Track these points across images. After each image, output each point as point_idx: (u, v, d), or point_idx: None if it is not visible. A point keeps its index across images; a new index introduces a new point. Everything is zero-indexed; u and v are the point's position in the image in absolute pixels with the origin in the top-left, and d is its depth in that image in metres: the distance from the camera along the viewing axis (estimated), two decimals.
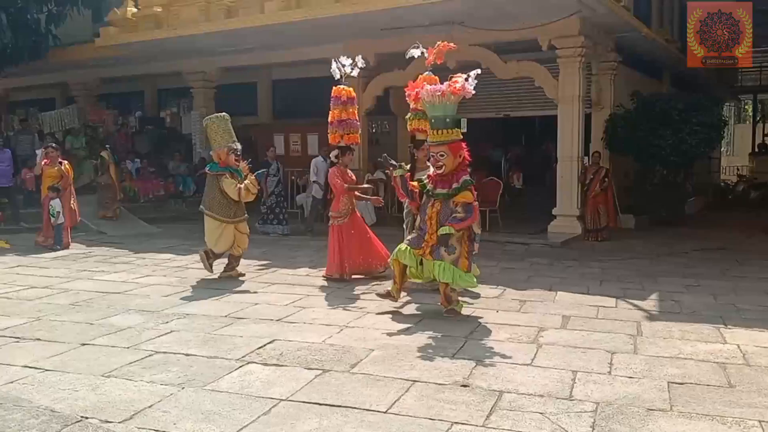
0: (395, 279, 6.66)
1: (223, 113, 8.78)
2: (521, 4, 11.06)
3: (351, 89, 8.49)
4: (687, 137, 12.74)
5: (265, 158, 13.26)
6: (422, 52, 7.62)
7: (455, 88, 6.29)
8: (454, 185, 6.25)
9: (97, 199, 13.92)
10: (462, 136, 6.47)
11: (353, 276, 8.21)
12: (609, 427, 3.77)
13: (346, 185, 8.25)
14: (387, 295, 6.71)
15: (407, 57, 7.80)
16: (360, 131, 8.71)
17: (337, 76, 8.41)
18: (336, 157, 8.52)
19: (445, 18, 11.79)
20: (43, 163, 11.49)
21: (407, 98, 7.37)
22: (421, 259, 6.42)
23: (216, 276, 8.42)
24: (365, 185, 9.34)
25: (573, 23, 11.57)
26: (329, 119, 8.44)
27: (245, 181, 8.23)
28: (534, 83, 12.79)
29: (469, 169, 6.47)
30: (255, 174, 8.33)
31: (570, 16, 11.36)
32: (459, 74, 6.47)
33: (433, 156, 6.38)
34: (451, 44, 7.65)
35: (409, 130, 7.75)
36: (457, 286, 6.38)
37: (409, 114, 7.72)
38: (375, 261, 8.31)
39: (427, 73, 7.57)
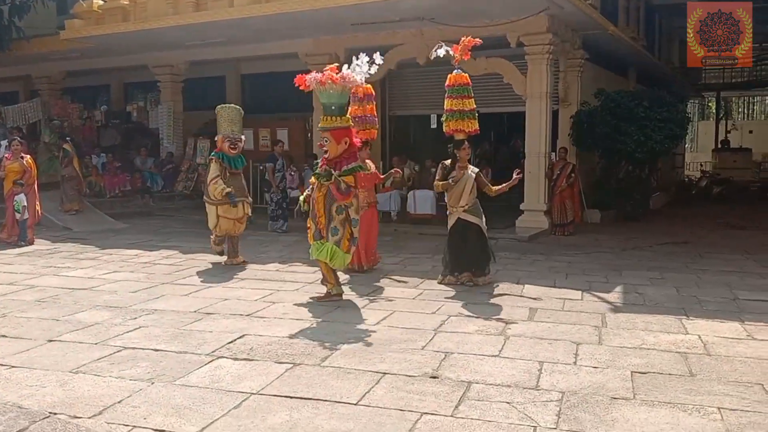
0: (328, 277, 6.82)
1: (236, 106, 9.32)
2: (490, 1, 11.15)
3: (369, 86, 8.40)
4: (652, 133, 12.99)
5: (272, 152, 13.26)
6: (447, 50, 7.62)
7: (334, 77, 6.51)
8: (344, 169, 6.53)
9: (61, 192, 13.68)
10: (349, 124, 6.79)
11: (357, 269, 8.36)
12: (574, 416, 3.86)
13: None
14: (332, 297, 6.81)
15: (432, 58, 7.83)
16: (377, 126, 8.79)
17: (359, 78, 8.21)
18: None
19: (415, 14, 11.83)
20: (4, 157, 11.27)
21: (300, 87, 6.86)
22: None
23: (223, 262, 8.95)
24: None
25: (541, 20, 11.72)
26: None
27: (219, 188, 8.63)
28: (503, 80, 12.92)
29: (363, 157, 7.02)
30: (226, 193, 8.65)
31: (538, 13, 11.50)
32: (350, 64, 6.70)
33: (320, 141, 6.85)
34: (477, 39, 7.71)
35: (445, 131, 7.76)
36: (334, 266, 6.68)
37: (444, 115, 7.72)
38: (373, 252, 8.63)
39: (456, 71, 7.63)
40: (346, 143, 6.58)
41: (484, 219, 7.64)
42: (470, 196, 7.55)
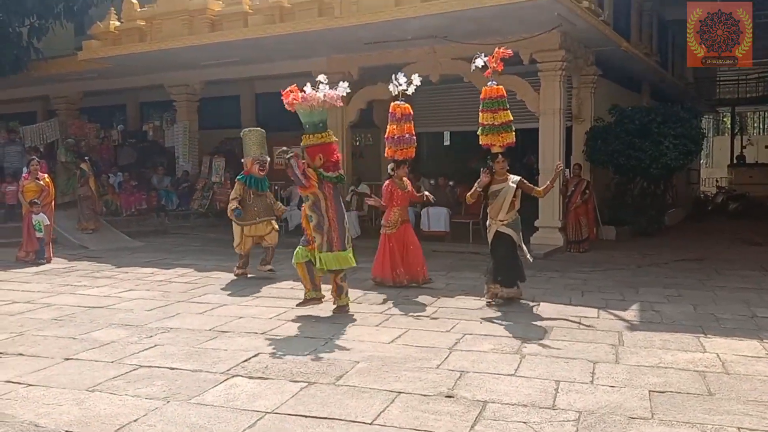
0: (304, 282, 7.15)
1: (260, 129, 9.64)
2: (502, 19, 11.20)
3: (407, 106, 8.63)
4: (666, 150, 12.93)
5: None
6: (484, 62, 7.64)
7: (297, 96, 6.85)
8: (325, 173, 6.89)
9: (78, 211, 13.84)
10: (324, 141, 6.92)
11: (405, 282, 8.54)
12: None
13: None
14: (308, 301, 7.13)
15: (472, 70, 7.94)
16: (415, 145, 8.85)
17: (394, 93, 8.52)
18: (392, 170, 8.75)
19: (428, 32, 11.90)
20: (22, 177, 11.43)
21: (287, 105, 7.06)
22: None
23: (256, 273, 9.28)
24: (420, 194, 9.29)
25: (554, 37, 11.74)
26: (386, 135, 8.78)
27: (229, 207, 9.12)
28: (515, 96, 12.90)
29: (340, 171, 7.05)
30: (233, 209, 9.04)
31: (551, 30, 11.52)
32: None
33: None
34: (508, 51, 7.70)
35: (482, 144, 7.74)
36: (347, 266, 6.97)
37: (480, 128, 7.70)
38: (417, 270, 8.67)
39: (490, 83, 7.58)
40: (320, 159, 6.85)
41: (521, 235, 7.55)
42: (511, 212, 7.44)
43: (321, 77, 7.02)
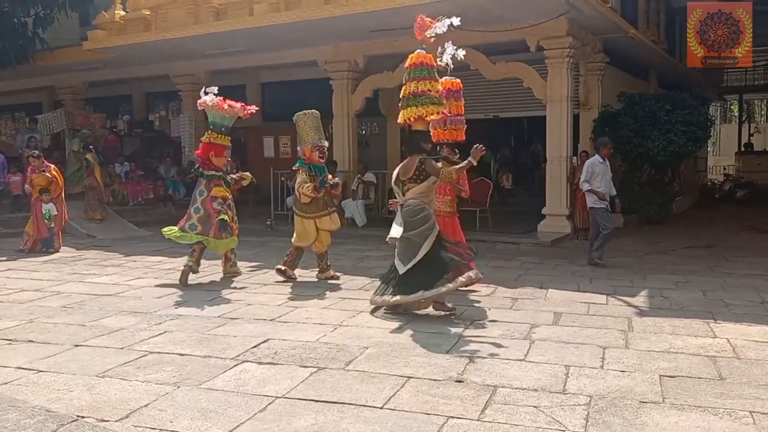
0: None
1: (314, 110, 8.51)
2: (509, 7, 11.11)
3: (458, 81, 7.74)
4: (674, 137, 12.85)
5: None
6: (455, 53, 7.38)
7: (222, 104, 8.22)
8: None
9: (85, 201, 13.88)
10: (215, 141, 8.16)
11: None
12: (603, 420, 3.82)
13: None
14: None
15: (444, 63, 7.33)
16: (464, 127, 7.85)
17: (443, 65, 7.40)
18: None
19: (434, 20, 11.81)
20: (28, 171, 11.45)
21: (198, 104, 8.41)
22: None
23: (315, 278, 8.43)
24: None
25: (561, 24, 11.65)
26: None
27: (306, 185, 8.08)
28: (522, 84, 12.85)
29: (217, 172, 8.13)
30: (318, 181, 8.10)
31: (558, 17, 11.44)
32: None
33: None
34: (427, 19, 6.87)
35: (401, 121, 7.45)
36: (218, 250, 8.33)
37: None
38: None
39: (418, 50, 6.79)
40: (213, 156, 8.12)
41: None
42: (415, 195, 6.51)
43: (212, 89, 8.21)
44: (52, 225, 11.04)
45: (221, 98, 8.26)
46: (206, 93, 8.24)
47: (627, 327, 5.87)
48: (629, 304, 6.82)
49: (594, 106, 13.80)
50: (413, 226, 6.29)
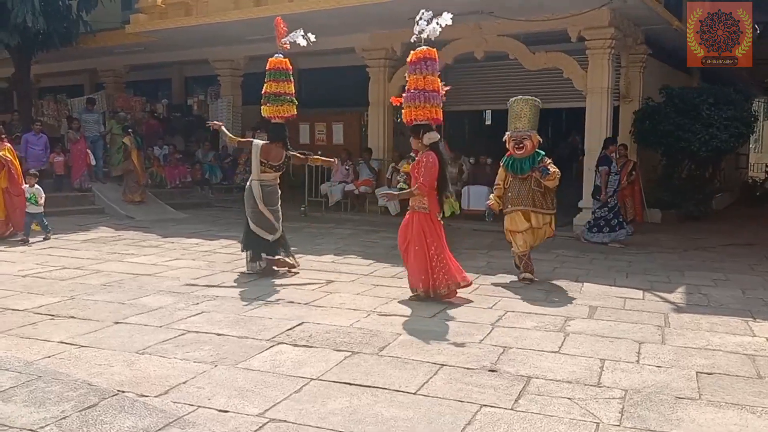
0: None
1: (529, 97, 7.62)
2: None
3: (430, 49, 6.57)
4: (717, 132, 12.60)
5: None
6: (303, 36, 8.28)
7: None
8: None
9: (124, 183, 14.16)
10: None
11: None
12: (638, 414, 3.79)
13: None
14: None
15: (285, 45, 8.27)
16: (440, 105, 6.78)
17: (415, 36, 6.89)
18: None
19: (472, 8, 11.74)
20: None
21: None
22: None
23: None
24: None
25: (603, 14, 11.48)
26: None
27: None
28: (562, 74, 12.71)
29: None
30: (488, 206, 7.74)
31: (600, 7, 11.28)
32: None
33: None
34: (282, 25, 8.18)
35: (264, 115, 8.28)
36: None
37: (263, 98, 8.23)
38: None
39: (276, 55, 7.83)
40: None
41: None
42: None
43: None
44: (35, 210, 10.07)
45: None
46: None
47: (663, 323, 5.80)
48: (666, 300, 6.73)
49: (635, 98, 13.60)
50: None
